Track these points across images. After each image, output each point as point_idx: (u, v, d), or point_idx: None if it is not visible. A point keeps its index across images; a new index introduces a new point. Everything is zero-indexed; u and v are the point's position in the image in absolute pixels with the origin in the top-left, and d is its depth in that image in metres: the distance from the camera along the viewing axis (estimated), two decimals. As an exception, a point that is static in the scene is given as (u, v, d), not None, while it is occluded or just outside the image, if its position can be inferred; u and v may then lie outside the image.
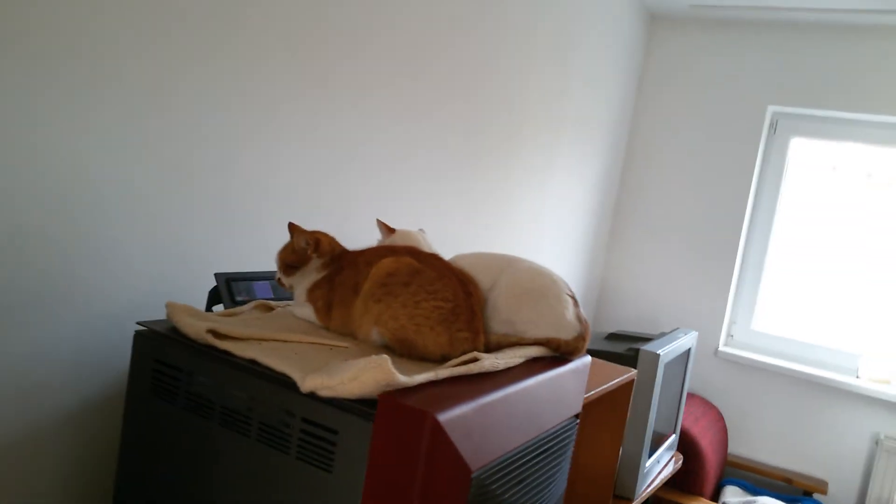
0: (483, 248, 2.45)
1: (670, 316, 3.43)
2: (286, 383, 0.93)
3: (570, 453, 1.22)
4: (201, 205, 1.39)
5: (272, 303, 1.26)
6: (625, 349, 2.12)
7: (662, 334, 2.38)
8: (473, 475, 0.91)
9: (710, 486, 2.84)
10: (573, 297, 1.25)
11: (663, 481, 2.34)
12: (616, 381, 1.64)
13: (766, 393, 3.24)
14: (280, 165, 1.56)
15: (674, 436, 2.50)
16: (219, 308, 1.28)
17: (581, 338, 1.22)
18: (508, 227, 2.62)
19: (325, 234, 1.22)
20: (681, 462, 2.57)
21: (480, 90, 2.26)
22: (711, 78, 3.33)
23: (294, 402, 0.92)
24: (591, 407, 1.79)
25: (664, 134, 3.44)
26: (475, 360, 1.03)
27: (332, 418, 0.89)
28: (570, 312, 1.22)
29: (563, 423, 1.18)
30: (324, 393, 0.88)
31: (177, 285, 1.35)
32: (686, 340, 2.38)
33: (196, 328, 1.01)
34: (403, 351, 1.07)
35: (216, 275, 1.24)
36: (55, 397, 1.22)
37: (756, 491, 3.01)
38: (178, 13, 1.28)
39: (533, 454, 1.08)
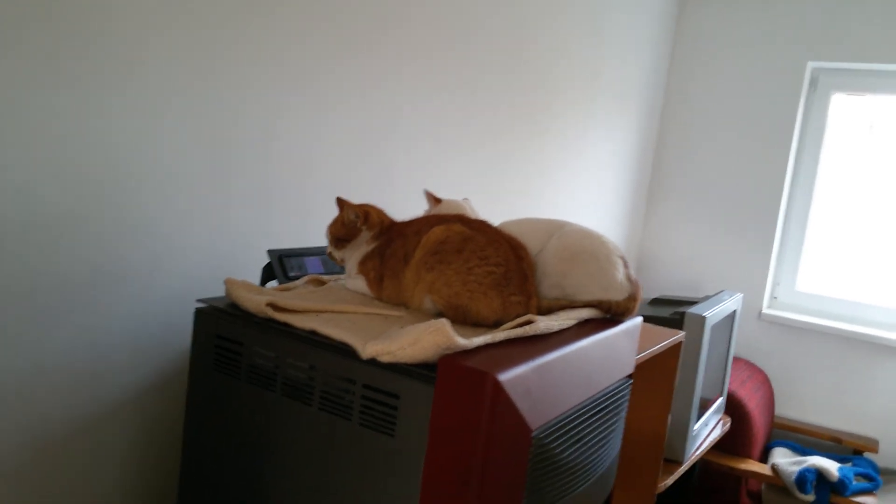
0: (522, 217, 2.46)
1: (713, 280, 3.39)
2: (346, 352, 0.95)
3: (624, 413, 1.23)
4: (247, 184, 1.41)
5: (324, 277, 1.28)
6: (670, 313, 2.11)
7: (707, 297, 2.37)
8: (533, 434, 0.92)
9: (758, 449, 2.83)
10: (623, 259, 1.25)
11: (712, 444, 2.34)
12: (665, 343, 1.64)
13: (813, 353, 3.20)
14: (320, 140, 1.57)
15: (721, 399, 2.49)
16: (273, 284, 1.30)
17: (632, 298, 1.22)
18: (546, 196, 2.61)
19: (374, 207, 1.24)
20: (728, 425, 2.56)
21: (516, 60, 2.24)
22: (748, 36, 3.26)
23: (355, 370, 0.94)
24: (640, 370, 1.79)
25: (700, 96, 3.39)
26: (530, 322, 1.04)
27: (393, 383, 0.91)
28: (620, 273, 1.22)
29: (617, 384, 1.19)
30: (384, 359, 0.90)
31: (229, 264, 1.38)
32: (731, 303, 2.36)
33: (255, 302, 1.04)
34: (457, 317, 1.08)
35: (269, 251, 1.26)
36: (117, 381, 1.26)
37: (805, 452, 2.99)
38: (217, -5, 1.30)
39: (589, 413, 1.09)
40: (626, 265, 1.25)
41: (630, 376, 1.25)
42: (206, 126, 1.32)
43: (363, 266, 1.20)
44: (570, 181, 2.76)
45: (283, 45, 1.44)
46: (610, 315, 1.21)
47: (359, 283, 1.20)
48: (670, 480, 2.00)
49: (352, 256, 1.21)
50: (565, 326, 1.09)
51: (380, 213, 1.23)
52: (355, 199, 1.30)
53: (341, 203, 1.22)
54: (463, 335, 0.96)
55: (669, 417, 1.97)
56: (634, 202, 3.40)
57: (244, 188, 1.41)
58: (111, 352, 1.24)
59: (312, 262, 1.33)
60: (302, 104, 1.51)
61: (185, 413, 1.14)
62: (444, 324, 0.89)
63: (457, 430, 0.86)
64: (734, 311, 2.42)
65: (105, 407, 1.25)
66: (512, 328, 1.02)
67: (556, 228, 1.25)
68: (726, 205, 3.35)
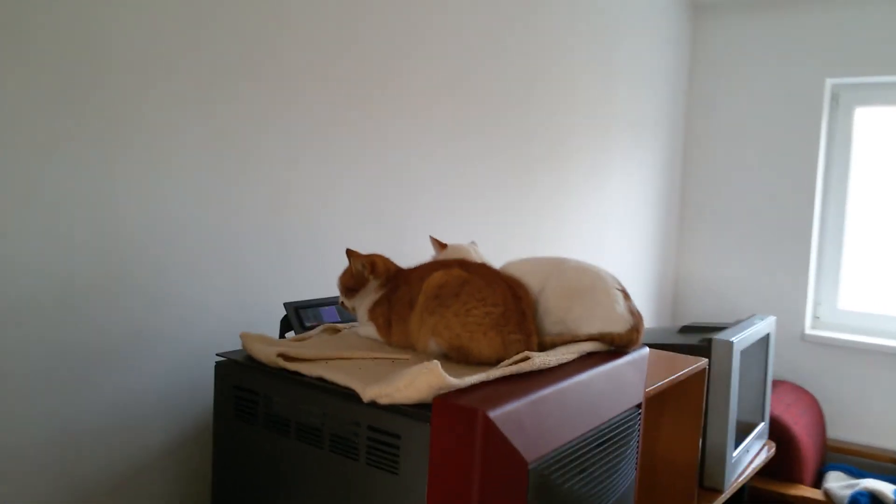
0: (526, 257, 2.50)
1: (751, 304, 3.36)
2: (351, 396, 1.01)
3: (635, 443, 1.26)
4: (263, 240, 1.50)
5: (339, 325, 1.34)
6: (698, 340, 2.12)
7: (738, 322, 2.36)
8: (531, 467, 0.96)
9: (809, 473, 2.76)
10: (623, 291, 1.28)
11: (755, 471, 2.30)
12: (685, 371, 1.66)
13: (862, 372, 3.13)
14: (334, 193, 1.66)
15: (763, 424, 2.46)
16: (290, 335, 1.37)
17: (634, 330, 1.26)
18: (569, 234, 2.65)
19: (381, 256, 1.30)
20: (773, 450, 2.52)
21: (525, 99, 2.32)
22: (764, 59, 3.28)
23: (360, 413, 1.00)
24: (664, 398, 1.80)
25: (722, 120, 3.40)
26: (527, 359, 1.08)
27: (393, 424, 0.96)
28: (620, 306, 1.25)
29: (624, 414, 1.22)
30: (383, 401, 0.96)
31: (251, 317, 1.46)
32: (762, 326, 2.34)
33: (267, 353, 1.11)
34: (461, 358, 1.13)
35: (285, 304, 1.34)
36: (153, 436, 1.34)
37: (861, 474, 2.91)
38: (222, 50, 1.40)
39: (593, 445, 1.12)
40: (626, 297, 1.28)
41: (639, 406, 1.27)
42: (218, 187, 1.41)
43: (372, 313, 1.26)
44: (594, 217, 2.80)
45: (290, 100, 1.54)
46: (614, 347, 1.25)
47: (370, 330, 1.27)
48: (711, 509, 1.99)
49: (362, 304, 1.28)
50: (564, 361, 1.13)
51: (386, 261, 1.30)
52: (370, 249, 1.37)
53: (350, 254, 1.29)
54: (462, 375, 1.00)
55: (702, 444, 1.97)
56: (665, 231, 3.41)
57: (261, 245, 1.49)
58: (146, 410, 1.32)
59: (329, 312, 1.40)
60: (313, 160, 1.60)
61: (213, 460, 1.21)
62: (436, 365, 0.94)
63: (453, 465, 0.91)
64: (767, 335, 2.40)
65: (143, 461, 1.33)
66: (508, 366, 1.07)
67: (555, 266, 1.30)
68: (759, 228, 3.34)
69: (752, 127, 3.33)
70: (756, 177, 3.33)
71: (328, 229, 1.65)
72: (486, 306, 1.13)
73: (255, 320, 1.47)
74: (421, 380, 0.94)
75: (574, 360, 1.16)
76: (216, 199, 1.41)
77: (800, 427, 2.76)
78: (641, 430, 1.29)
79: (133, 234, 1.28)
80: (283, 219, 1.54)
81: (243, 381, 1.14)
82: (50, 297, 1.18)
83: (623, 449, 1.21)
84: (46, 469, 1.20)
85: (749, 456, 2.31)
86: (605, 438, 1.15)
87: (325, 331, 1.33)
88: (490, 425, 0.90)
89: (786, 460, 2.66)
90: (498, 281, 1.17)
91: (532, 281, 1.28)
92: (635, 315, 1.27)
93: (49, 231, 1.17)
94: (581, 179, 2.68)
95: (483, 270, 1.19)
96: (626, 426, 1.21)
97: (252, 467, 1.14)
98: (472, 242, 1.47)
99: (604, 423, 1.15)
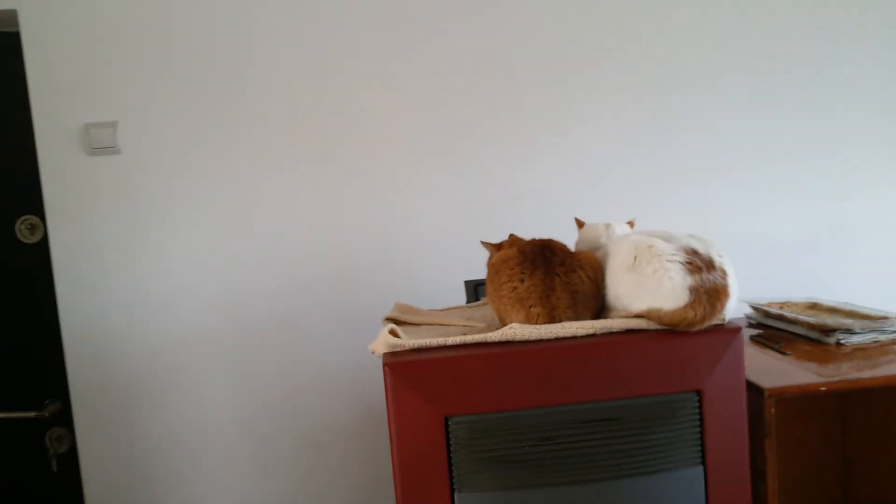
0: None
1: None
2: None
3: (691, 431, 1.12)
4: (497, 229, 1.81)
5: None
6: None
7: None
8: (452, 419, 1.10)
9: None
10: (692, 263, 1.14)
11: None
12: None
13: None
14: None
15: None
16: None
17: (689, 307, 1.12)
18: None
19: (514, 238, 1.46)
20: None
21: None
22: None
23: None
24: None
25: None
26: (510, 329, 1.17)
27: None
28: (672, 280, 1.13)
29: (652, 397, 1.12)
30: (373, 352, 1.24)
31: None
32: None
33: (387, 316, 1.48)
34: (503, 325, 1.27)
35: (465, 282, 1.64)
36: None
37: None
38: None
39: (584, 419, 1.11)
40: (696, 270, 1.13)
41: (698, 391, 1.12)
42: (462, 190, 1.82)
43: (492, 287, 1.46)
44: None
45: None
46: (664, 326, 1.14)
47: (492, 301, 1.47)
48: None
49: (492, 282, 1.49)
50: (568, 334, 1.15)
51: (515, 241, 1.44)
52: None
53: (484, 244, 1.50)
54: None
55: None
56: None
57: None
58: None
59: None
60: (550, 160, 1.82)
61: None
62: (385, 328, 1.18)
63: (388, 405, 1.14)
64: None
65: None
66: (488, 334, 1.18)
67: (617, 241, 1.25)
68: None
69: None
70: None
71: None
72: (512, 282, 1.24)
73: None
74: (382, 339, 1.19)
75: (588, 335, 1.15)
76: (460, 201, 1.81)
77: None
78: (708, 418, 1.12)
79: (379, 236, 1.82)
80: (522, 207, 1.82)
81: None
82: (337, 274, 1.82)
83: (652, 432, 1.11)
84: (340, 383, 1.85)
85: None
86: (609, 417, 1.11)
87: (484, 303, 1.57)
88: (401, 377, 1.10)
89: None
90: (535, 258, 1.25)
91: (619, 255, 1.25)
92: (701, 290, 1.12)
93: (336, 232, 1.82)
94: None
95: (532, 249, 1.27)
96: (655, 409, 1.11)
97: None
98: (630, 222, 1.44)
99: (603, 400, 1.11)
